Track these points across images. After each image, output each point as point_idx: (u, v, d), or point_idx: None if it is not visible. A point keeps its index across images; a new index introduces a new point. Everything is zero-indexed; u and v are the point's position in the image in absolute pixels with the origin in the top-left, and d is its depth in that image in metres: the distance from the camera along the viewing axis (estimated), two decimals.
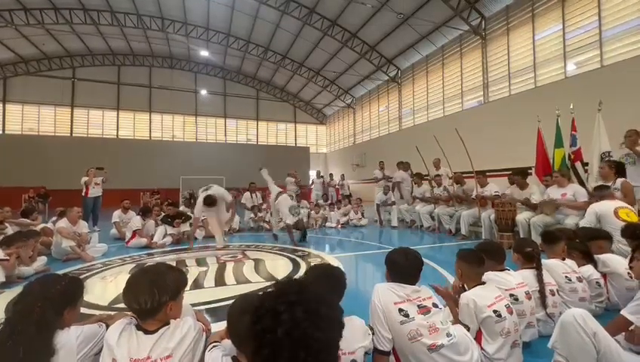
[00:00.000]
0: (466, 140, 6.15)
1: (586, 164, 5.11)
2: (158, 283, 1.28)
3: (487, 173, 6.13)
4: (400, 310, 1.45)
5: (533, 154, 5.82)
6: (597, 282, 2.33)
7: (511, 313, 1.70)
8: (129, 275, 1.36)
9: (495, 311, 1.64)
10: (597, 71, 8.35)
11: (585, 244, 2.55)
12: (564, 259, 2.35)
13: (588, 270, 2.37)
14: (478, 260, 1.85)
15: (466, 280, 1.89)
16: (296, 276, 3.64)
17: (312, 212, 8.17)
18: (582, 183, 4.83)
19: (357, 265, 4.46)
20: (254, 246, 5.43)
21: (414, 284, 1.59)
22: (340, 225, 7.81)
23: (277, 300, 0.69)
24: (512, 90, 10.81)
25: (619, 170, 4.01)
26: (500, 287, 1.90)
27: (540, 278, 2.09)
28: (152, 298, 1.24)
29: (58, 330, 1.28)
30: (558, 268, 2.25)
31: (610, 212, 3.17)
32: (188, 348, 1.27)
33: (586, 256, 2.46)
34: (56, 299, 1.32)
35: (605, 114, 4.96)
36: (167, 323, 1.29)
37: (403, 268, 1.61)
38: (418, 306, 1.49)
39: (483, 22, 11.59)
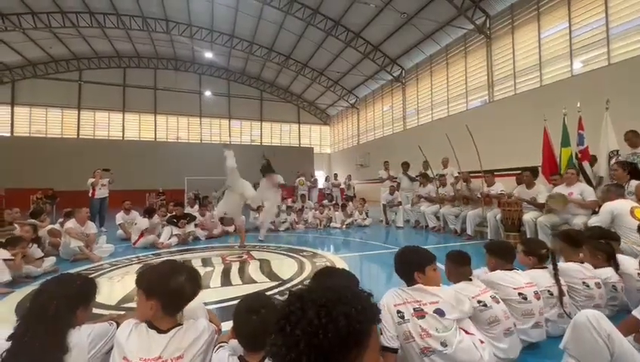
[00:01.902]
0: (471, 139, 6.11)
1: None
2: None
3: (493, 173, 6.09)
4: (398, 311, 1.49)
5: (539, 154, 5.76)
6: (613, 286, 2.26)
7: (497, 302, 1.76)
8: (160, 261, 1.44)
9: (480, 301, 1.71)
10: (604, 69, 8.24)
11: (611, 246, 2.45)
12: (582, 263, 2.28)
13: (606, 272, 2.28)
14: (462, 260, 1.93)
15: (452, 278, 1.97)
16: (305, 276, 3.65)
17: (317, 212, 8.19)
18: (589, 182, 4.77)
19: (362, 265, 4.46)
20: (259, 247, 5.45)
21: (409, 284, 1.61)
22: (344, 226, 7.80)
23: (297, 292, 0.72)
24: (517, 88, 10.72)
25: (632, 171, 3.89)
26: (509, 286, 1.91)
27: (557, 278, 2.07)
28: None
29: (71, 329, 1.30)
30: (576, 273, 2.19)
31: (627, 211, 3.10)
32: (200, 349, 1.27)
33: (610, 258, 2.37)
34: (71, 298, 1.34)
35: (613, 112, 4.89)
36: (180, 324, 1.29)
37: (397, 270, 1.71)
38: (414, 309, 1.49)
39: (488, 20, 11.50)
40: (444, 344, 1.45)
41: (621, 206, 3.19)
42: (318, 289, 0.72)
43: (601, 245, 2.44)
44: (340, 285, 0.76)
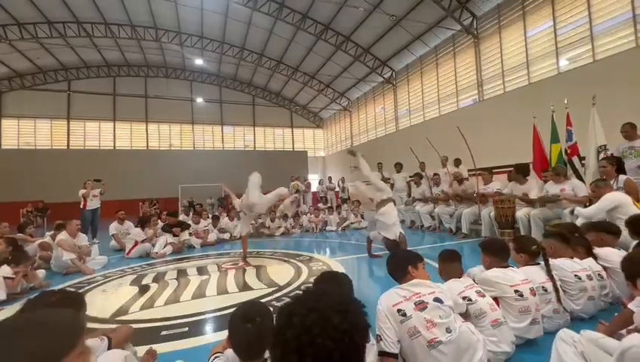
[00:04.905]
0: (462, 139, 6.15)
1: (583, 158, 5.12)
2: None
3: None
4: (398, 310, 1.50)
5: (530, 151, 5.84)
6: (599, 274, 2.32)
7: (482, 296, 1.82)
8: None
9: (464, 298, 1.77)
10: (589, 65, 8.41)
11: (587, 240, 2.53)
12: (572, 258, 2.33)
13: (588, 262, 2.36)
14: (452, 257, 2.07)
15: (443, 276, 2.07)
16: (302, 281, 3.63)
17: (312, 216, 8.17)
18: (580, 178, 4.84)
19: (360, 267, 4.44)
20: (255, 253, 5.41)
21: (407, 280, 1.68)
22: (340, 228, 7.80)
23: (296, 304, 0.71)
24: (506, 87, 10.88)
25: (618, 166, 3.95)
26: (505, 284, 1.92)
27: (550, 273, 2.10)
28: None
29: None
30: (568, 266, 2.23)
31: (630, 201, 3.17)
32: None
33: (589, 251, 2.46)
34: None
35: (600, 107, 4.98)
36: None
37: (391, 270, 1.81)
38: (415, 303, 1.53)
39: (475, 21, 11.68)
40: (448, 330, 1.48)
41: (623, 197, 3.24)
42: (326, 296, 0.74)
43: (580, 240, 2.53)
44: (346, 295, 0.80)
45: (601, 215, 3.27)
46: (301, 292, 0.80)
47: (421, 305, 1.52)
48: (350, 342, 0.63)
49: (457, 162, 7.70)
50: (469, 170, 6.58)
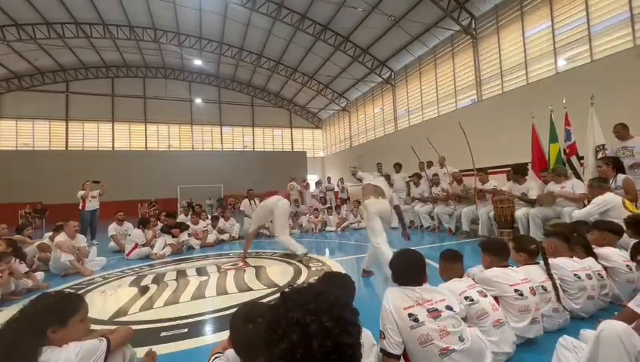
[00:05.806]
0: (462, 138, 6.16)
1: (582, 158, 5.13)
2: None
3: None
4: (410, 315, 1.46)
5: (528, 150, 5.85)
6: (599, 274, 2.32)
7: (485, 296, 1.80)
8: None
9: (466, 298, 1.75)
10: (587, 65, 8.44)
11: (586, 239, 2.55)
12: (571, 257, 2.33)
13: (587, 262, 2.36)
14: (453, 257, 2.04)
15: (445, 276, 2.05)
16: (300, 282, 3.62)
17: (312, 216, 8.16)
18: (578, 177, 4.86)
19: (360, 268, 4.43)
20: (255, 253, 5.40)
21: (420, 285, 1.60)
22: (340, 229, 7.80)
23: (297, 311, 0.63)
24: (504, 87, 10.90)
25: (616, 165, 3.95)
26: (504, 283, 1.92)
27: (549, 272, 2.10)
28: None
29: (49, 348, 1.26)
30: (567, 265, 2.23)
31: (620, 202, 3.19)
32: None
33: (588, 250, 2.47)
34: (34, 319, 1.29)
35: (598, 107, 4.99)
36: None
37: (403, 271, 1.66)
38: (428, 310, 1.49)
39: (473, 21, 11.70)
40: (461, 338, 1.46)
41: (615, 198, 3.25)
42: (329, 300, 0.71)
43: (578, 239, 2.52)
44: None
45: (595, 216, 3.29)
46: (283, 298, 0.70)
47: (435, 313, 1.48)
48: (359, 335, 0.62)
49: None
50: (463, 171, 6.58)
